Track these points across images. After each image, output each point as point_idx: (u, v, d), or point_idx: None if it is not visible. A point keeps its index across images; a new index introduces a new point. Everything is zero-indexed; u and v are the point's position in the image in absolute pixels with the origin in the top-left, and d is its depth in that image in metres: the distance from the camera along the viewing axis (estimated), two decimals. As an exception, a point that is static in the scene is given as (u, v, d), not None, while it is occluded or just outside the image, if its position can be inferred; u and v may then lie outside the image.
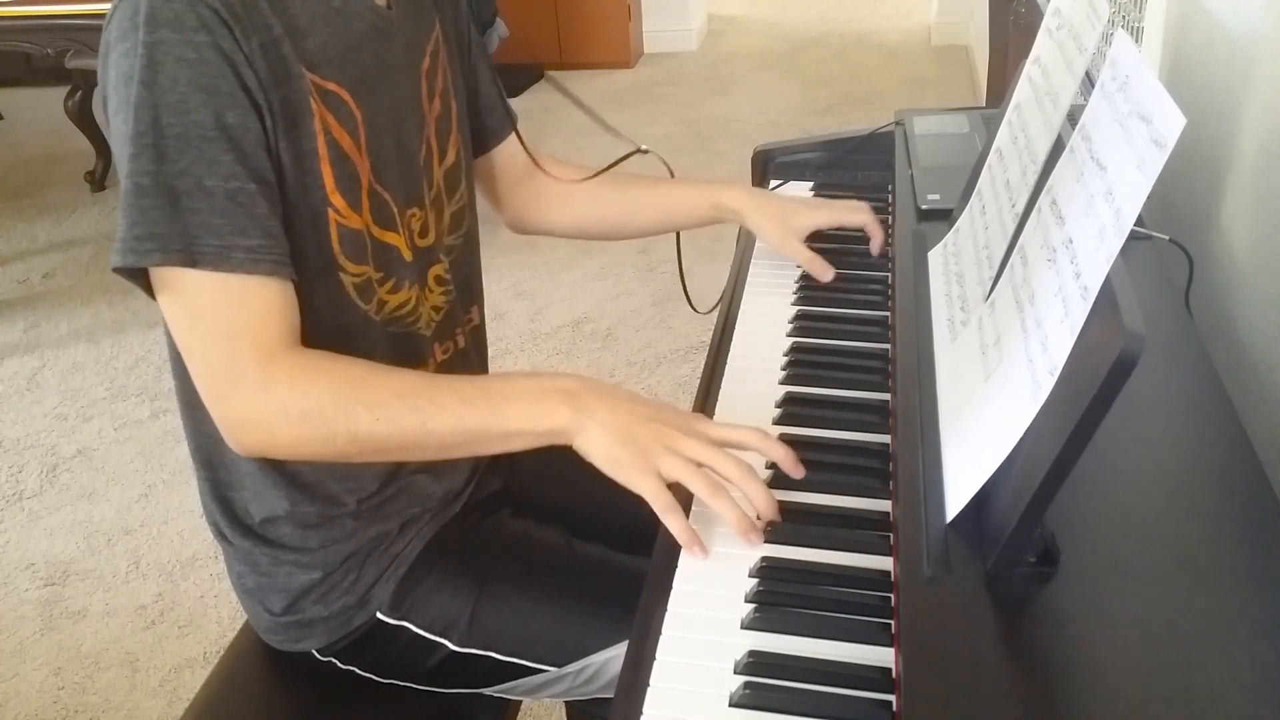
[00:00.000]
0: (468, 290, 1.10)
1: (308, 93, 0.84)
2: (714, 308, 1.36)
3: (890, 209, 1.26)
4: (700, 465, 0.79)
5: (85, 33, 3.28)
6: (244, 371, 0.80)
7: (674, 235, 1.29)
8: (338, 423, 0.80)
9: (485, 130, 1.14)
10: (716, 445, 0.80)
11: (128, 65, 0.77)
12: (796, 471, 0.82)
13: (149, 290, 0.81)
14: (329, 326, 0.89)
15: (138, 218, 0.77)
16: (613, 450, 0.79)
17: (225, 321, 0.80)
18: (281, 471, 0.93)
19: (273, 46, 0.81)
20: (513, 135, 1.17)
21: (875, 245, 1.19)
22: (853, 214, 1.19)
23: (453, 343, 1.06)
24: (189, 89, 0.77)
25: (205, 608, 1.97)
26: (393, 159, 0.94)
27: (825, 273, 1.14)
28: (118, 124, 0.78)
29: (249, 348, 0.80)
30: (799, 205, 1.20)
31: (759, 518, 0.80)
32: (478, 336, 1.13)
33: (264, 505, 0.95)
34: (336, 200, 0.87)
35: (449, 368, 1.05)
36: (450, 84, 1.03)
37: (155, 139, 0.77)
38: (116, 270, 0.79)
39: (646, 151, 1.21)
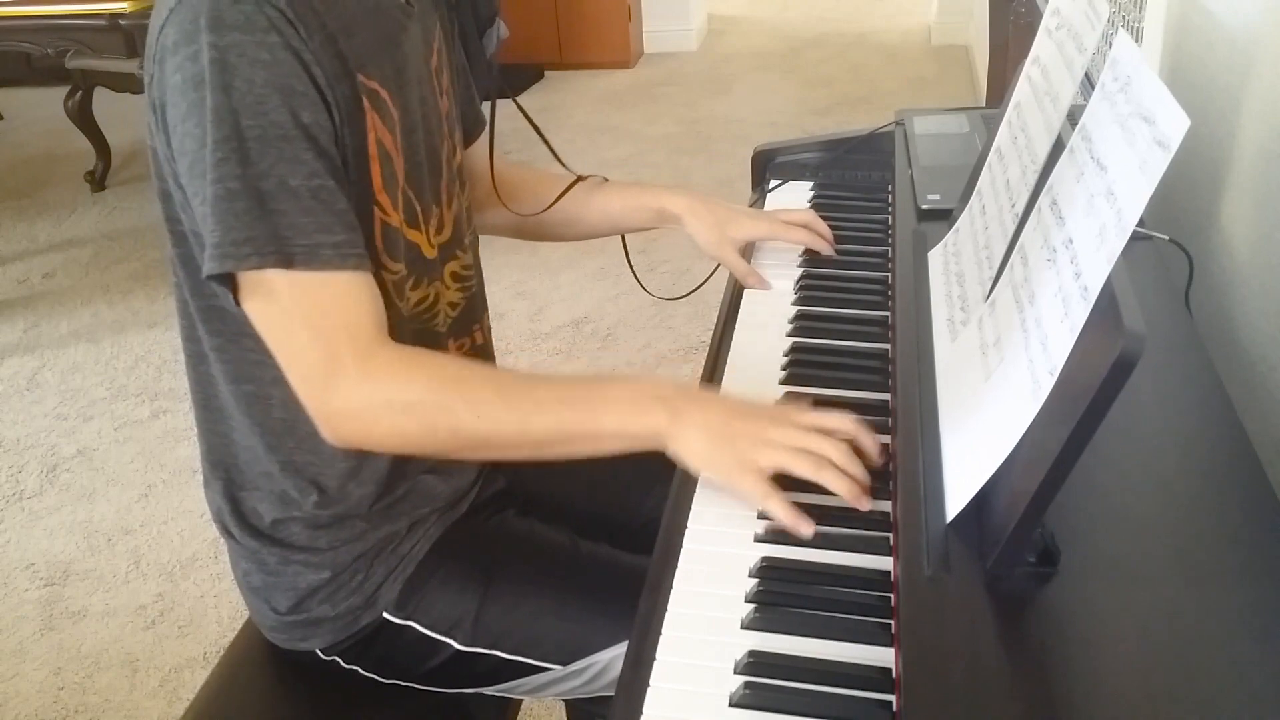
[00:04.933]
0: (482, 286, 1.11)
1: (360, 91, 0.85)
2: (684, 296, 1.37)
3: (890, 209, 1.26)
4: (795, 449, 0.80)
5: (85, 33, 3.28)
6: (344, 365, 0.80)
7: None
8: (439, 417, 0.81)
9: (462, 131, 1.14)
10: (809, 429, 0.81)
11: (194, 70, 0.76)
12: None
13: (235, 296, 0.81)
14: None
15: (232, 222, 0.77)
16: (709, 453, 0.81)
17: (320, 318, 0.80)
18: (303, 475, 0.93)
19: (330, 44, 0.82)
20: (480, 139, 1.17)
21: (823, 251, 1.20)
22: (793, 231, 1.20)
23: (469, 339, 1.07)
24: (265, 90, 0.77)
25: (205, 608, 1.97)
26: (420, 157, 0.94)
27: (759, 285, 1.16)
28: (189, 128, 0.78)
29: (347, 342, 0.81)
30: (738, 214, 1.20)
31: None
32: (489, 333, 1.14)
33: (279, 507, 0.95)
34: (382, 199, 0.88)
35: None
36: (450, 81, 1.04)
37: (239, 143, 0.77)
38: (211, 277, 0.79)
39: (584, 177, 1.21)
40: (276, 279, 0.79)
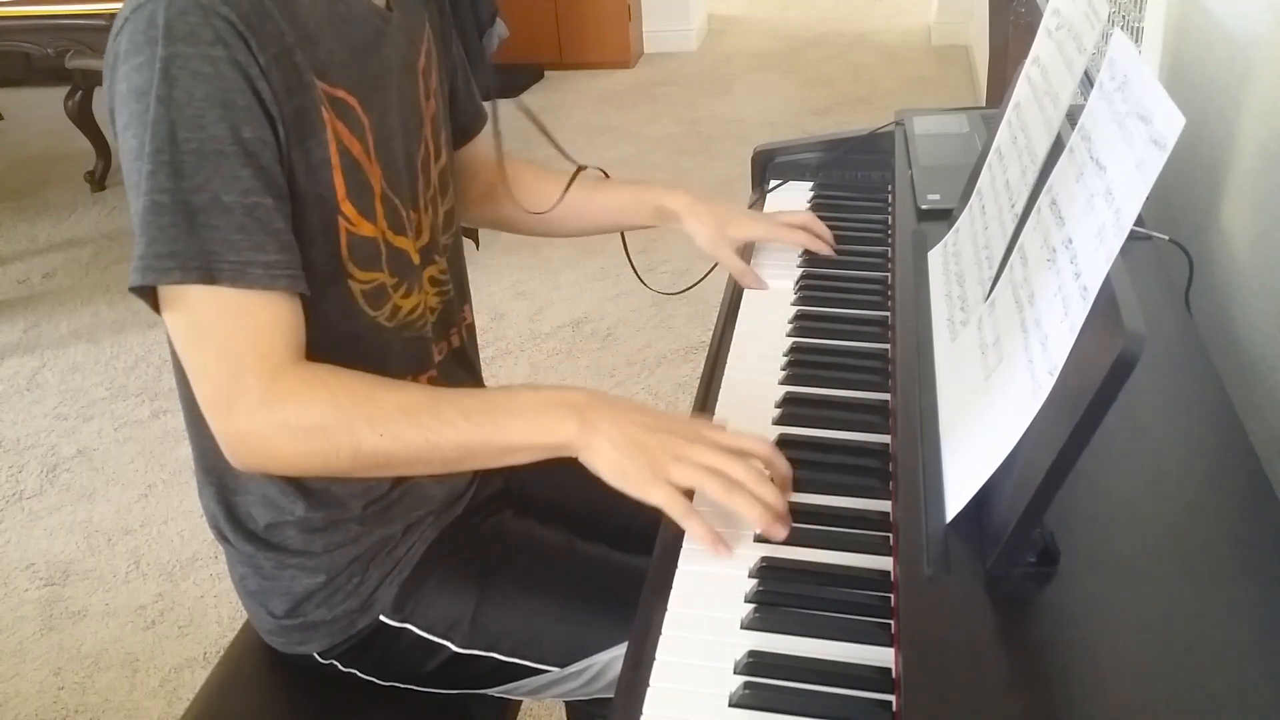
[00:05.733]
0: (461, 288, 1.11)
1: (319, 102, 0.84)
2: (682, 291, 1.36)
3: (890, 209, 1.26)
4: (710, 469, 0.78)
5: (85, 33, 3.28)
6: (248, 387, 0.79)
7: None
8: (341, 438, 0.79)
9: (459, 127, 1.14)
10: (724, 450, 0.79)
11: (141, 80, 0.76)
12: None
13: (156, 307, 0.81)
14: (337, 334, 0.89)
15: (156, 235, 0.76)
16: (620, 463, 0.78)
17: (231, 337, 0.79)
18: (287, 480, 0.93)
19: (285, 56, 0.80)
20: (483, 134, 1.17)
21: (822, 251, 1.20)
22: (792, 233, 1.20)
23: (447, 343, 1.07)
24: (205, 104, 0.76)
25: (205, 608, 1.97)
26: (400, 163, 0.94)
27: (756, 284, 1.16)
28: (127, 138, 0.78)
29: (255, 363, 0.79)
30: (737, 214, 1.20)
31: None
32: (471, 334, 1.14)
33: (270, 511, 0.95)
34: (347, 208, 0.87)
35: (446, 367, 1.05)
36: (440, 81, 1.03)
37: (172, 155, 0.76)
38: (133, 290, 0.79)
39: (586, 168, 1.20)
40: (197, 294, 0.78)
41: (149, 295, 0.80)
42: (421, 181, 0.99)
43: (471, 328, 1.14)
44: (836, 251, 1.21)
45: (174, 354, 0.92)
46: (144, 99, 0.76)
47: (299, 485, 0.94)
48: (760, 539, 0.80)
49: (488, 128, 1.17)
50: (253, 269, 0.78)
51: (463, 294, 1.11)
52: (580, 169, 1.20)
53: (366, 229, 0.90)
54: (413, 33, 0.98)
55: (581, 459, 0.80)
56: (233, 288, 0.78)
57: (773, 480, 0.80)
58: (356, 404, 0.80)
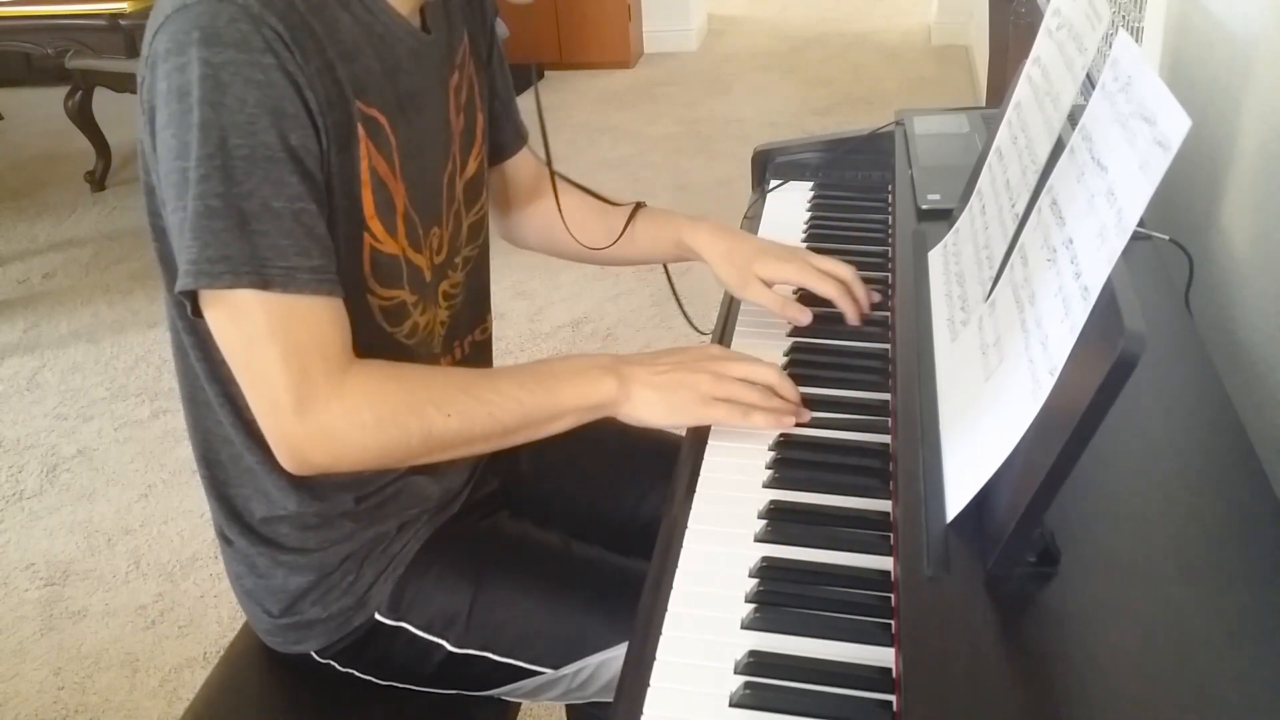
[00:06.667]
0: (478, 302, 1.10)
1: (356, 118, 0.84)
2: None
3: (890, 209, 1.26)
4: (742, 380, 0.90)
5: (85, 33, 3.28)
6: (316, 386, 0.80)
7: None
8: (413, 425, 0.84)
9: (496, 144, 1.14)
10: (741, 364, 0.91)
11: (182, 80, 0.76)
12: (802, 415, 0.92)
13: (196, 310, 0.81)
14: (356, 348, 0.89)
15: (210, 239, 0.77)
16: (666, 402, 0.88)
17: (292, 340, 0.80)
18: (283, 474, 0.93)
19: (327, 71, 0.81)
20: (523, 152, 1.17)
21: (849, 315, 1.06)
22: (825, 283, 1.06)
23: (451, 356, 1.06)
24: (256, 110, 0.77)
25: (205, 608, 1.97)
26: (420, 180, 0.94)
27: (800, 316, 1.06)
28: (166, 137, 0.78)
29: (320, 363, 0.81)
30: (767, 256, 1.09)
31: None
32: (482, 349, 1.13)
33: (265, 505, 0.95)
34: (374, 226, 0.88)
35: None
36: (475, 94, 1.03)
37: (224, 160, 0.76)
38: (182, 293, 0.79)
39: (643, 205, 1.18)
40: (249, 300, 0.79)
41: (191, 297, 0.81)
42: (445, 198, 0.99)
43: (484, 344, 1.13)
44: (833, 253, 1.17)
45: (178, 353, 0.92)
46: (186, 99, 0.76)
47: (293, 481, 0.93)
48: (760, 539, 0.80)
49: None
50: (300, 274, 0.79)
51: (480, 307, 1.11)
52: (637, 206, 1.17)
53: (391, 246, 0.90)
54: (450, 50, 0.98)
55: (624, 413, 0.89)
56: (283, 293, 0.79)
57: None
58: (422, 390, 0.85)
